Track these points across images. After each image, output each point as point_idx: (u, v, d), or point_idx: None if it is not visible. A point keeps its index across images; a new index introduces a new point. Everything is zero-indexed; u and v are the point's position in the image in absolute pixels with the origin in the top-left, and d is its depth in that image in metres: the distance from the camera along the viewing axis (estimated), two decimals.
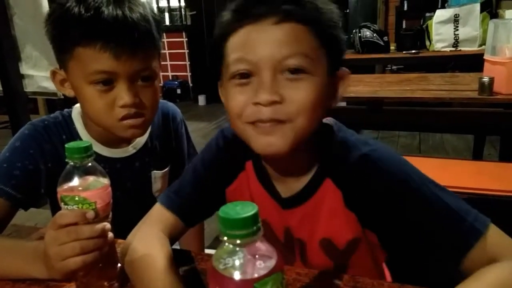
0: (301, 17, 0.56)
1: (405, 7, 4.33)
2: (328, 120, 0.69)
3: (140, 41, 0.74)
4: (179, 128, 1.02)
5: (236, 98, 0.59)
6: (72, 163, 0.58)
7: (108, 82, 0.75)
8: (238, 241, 0.36)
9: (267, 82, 0.56)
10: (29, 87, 2.54)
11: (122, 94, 0.75)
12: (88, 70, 0.74)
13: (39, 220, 2.13)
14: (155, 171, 0.96)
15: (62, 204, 0.58)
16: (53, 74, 0.82)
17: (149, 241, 0.65)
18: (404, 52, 3.01)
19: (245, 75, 0.58)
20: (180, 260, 0.68)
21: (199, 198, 0.73)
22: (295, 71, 0.56)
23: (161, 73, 5.83)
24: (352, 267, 0.69)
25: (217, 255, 0.38)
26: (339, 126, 0.68)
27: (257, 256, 0.37)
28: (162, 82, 5.76)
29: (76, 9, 0.72)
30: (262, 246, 0.38)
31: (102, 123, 0.81)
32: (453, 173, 1.45)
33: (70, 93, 0.81)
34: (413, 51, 2.93)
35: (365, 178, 0.62)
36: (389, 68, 4.05)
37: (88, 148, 0.59)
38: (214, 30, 0.63)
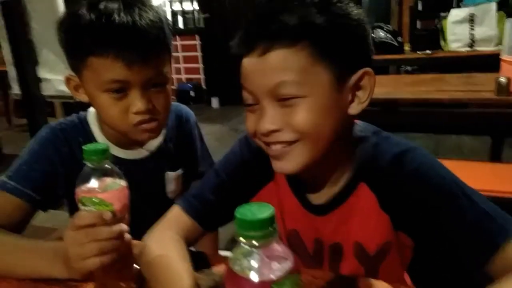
0: (287, 41, 0.55)
1: (420, 7, 4.27)
2: (359, 123, 0.69)
3: (151, 49, 0.75)
4: (192, 130, 1.03)
5: (248, 122, 0.63)
6: (89, 165, 0.60)
7: (121, 90, 0.76)
8: (254, 242, 0.36)
9: (265, 112, 0.59)
10: (46, 90, 2.58)
11: (136, 101, 0.77)
12: (101, 79, 0.75)
13: (57, 222, 2.16)
14: (169, 173, 0.96)
15: (80, 206, 0.60)
16: (67, 80, 0.84)
17: (166, 244, 0.66)
18: (418, 52, 2.97)
19: (254, 103, 0.61)
20: (195, 261, 0.68)
21: (220, 205, 0.73)
22: (287, 98, 0.57)
23: (175, 76, 5.89)
24: (382, 274, 0.68)
25: (233, 256, 0.38)
26: (373, 129, 0.68)
27: (273, 257, 0.37)
28: (175, 84, 5.80)
29: (87, 17, 0.73)
30: (278, 247, 0.38)
31: (117, 128, 0.82)
32: (470, 175, 1.43)
33: (84, 98, 0.83)
34: (428, 52, 2.90)
35: (398, 180, 0.62)
36: (404, 69, 4.01)
37: (105, 150, 0.60)
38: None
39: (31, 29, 2.46)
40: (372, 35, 3.12)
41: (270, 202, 0.71)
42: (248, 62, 0.59)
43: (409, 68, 3.96)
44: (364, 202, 0.65)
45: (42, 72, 2.55)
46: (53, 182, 0.83)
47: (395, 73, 3.81)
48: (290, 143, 0.59)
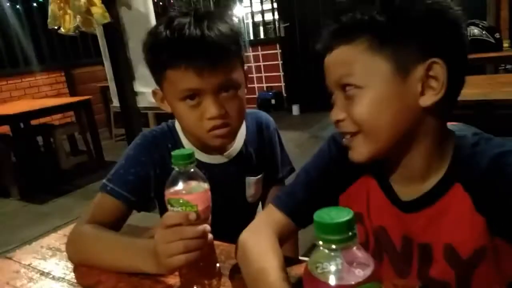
0: (345, 38, 0.61)
1: None
2: (457, 125, 0.67)
3: (219, 58, 0.79)
4: (272, 136, 1.04)
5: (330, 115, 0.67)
6: (177, 169, 0.64)
7: (194, 96, 0.81)
8: (333, 246, 0.36)
9: (335, 102, 0.65)
10: (141, 103, 2.82)
11: (209, 107, 0.81)
12: (177, 89, 0.82)
13: (152, 223, 2.32)
14: (249, 177, 0.99)
15: (168, 206, 0.64)
16: (154, 93, 0.92)
17: (261, 240, 0.68)
18: None
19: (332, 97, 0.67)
20: None
21: (311, 202, 0.74)
22: (348, 89, 0.61)
23: (256, 85, 6.02)
24: (476, 283, 0.63)
25: (312, 259, 0.38)
26: (473, 130, 0.65)
27: (353, 262, 0.37)
28: (257, 93, 5.94)
29: (163, 34, 0.80)
30: (358, 253, 0.37)
31: (194, 134, 0.88)
32: None
33: (168, 109, 0.89)
34: None
35: (497, 181, 0.58)
36: (503, 67, 3.64)
37: (191, 155, 0.63)
38: None
39: (128, 47, 2.72)
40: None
41: (358, 199, 0.73)
42: (325, 60, 0.65)
43: (509, 66, 3.59)
44: (458, 203, 0.62)
45: (138, 86, 2.78)
46: (146, 184, 0.90)
47: (493, 72, 3.48)
48: (353, 134, 0.63)
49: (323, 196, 0.74)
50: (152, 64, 0.86)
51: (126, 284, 0.72)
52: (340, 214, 0.36)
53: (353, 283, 0.36)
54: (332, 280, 0.36)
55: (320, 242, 0.36)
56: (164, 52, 0.80)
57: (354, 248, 0.37)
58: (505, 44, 2.91)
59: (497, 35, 2.83)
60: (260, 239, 0.69)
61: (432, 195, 0.64)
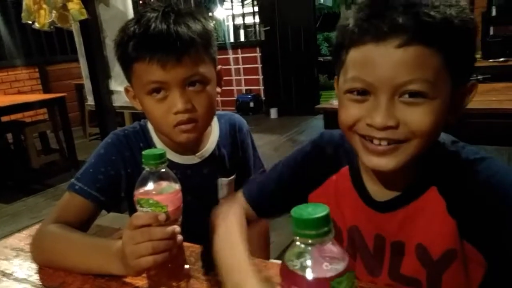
0: (428, 39, 0.53)
1: (493, 13, 4.00)
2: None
3: (184, 50, 0.79)
4: (245, 138, 1.04)
5: (349, 112, 0.60)
6: (148, 169, 0.63)
7: (160, 90, 0.81)
8: (309, 241, 0.37)
9: (383, 106, 0.56)
10: (117, 102, 2.77)
11: (175, 101, 0.80)
12: (143, 82, 0.81)
13: (122, 224, 2.28)
14: (221, 179, 0.98)
15: (138, 206, 0.63)
16: (127, 91, 0.91)
17: (229, 220, 0.72)
18: (491, 60, 2.79)
19: (362, 93, 0.58)
20: None
21: (277, 195, 0.78)
22: (414, 94, 0.55)
23: (235, 87, 6.01)
24: (445, 283, 0.65)
25: (289, 254, 0.39)
26: (451, 139, 0.67)
27: (328, 257, 0.38)
28: (236, 96, 5.93)
29: (132, 29, 0.81)
30: (333, 248, 0.38)
31: (160, 130, 0.87)
32: None
33: (140, 106, 0.88)
34: (502, 59, 2.71)
35: (470, 186, 0.60)
36: (475, 78, 3.77)
37: (162, 155, 0.63)
38: (336, 30, 0.63)
39: (105, 45, 2.66)
40: None
41: (328, 199, 0.73)
42: (375, 50, 0.55)
43: (480, 77, 3.72)
44: (432, 205, 0.63)
45: (114, 85, 2.73)
46: (116, 184, 0.88)
47: None
48: (400, 141, 0.58)
49: (290, 193, 0.77)
50: (122, 59, 0.85)
51: (91, 285, 0.70)
52: (316, 210, 0.37)
53: (327, 276, 0.37)
54: (308, 274, 0.37)
55: (297, 238, 0.37)
56: (130, 45, 0.80)
57: (330, 243, 0.38)
58: (477, 56, 3.01)
59: None
60: (228, 219, 0.72)
61: (407, 197, 0.65)
